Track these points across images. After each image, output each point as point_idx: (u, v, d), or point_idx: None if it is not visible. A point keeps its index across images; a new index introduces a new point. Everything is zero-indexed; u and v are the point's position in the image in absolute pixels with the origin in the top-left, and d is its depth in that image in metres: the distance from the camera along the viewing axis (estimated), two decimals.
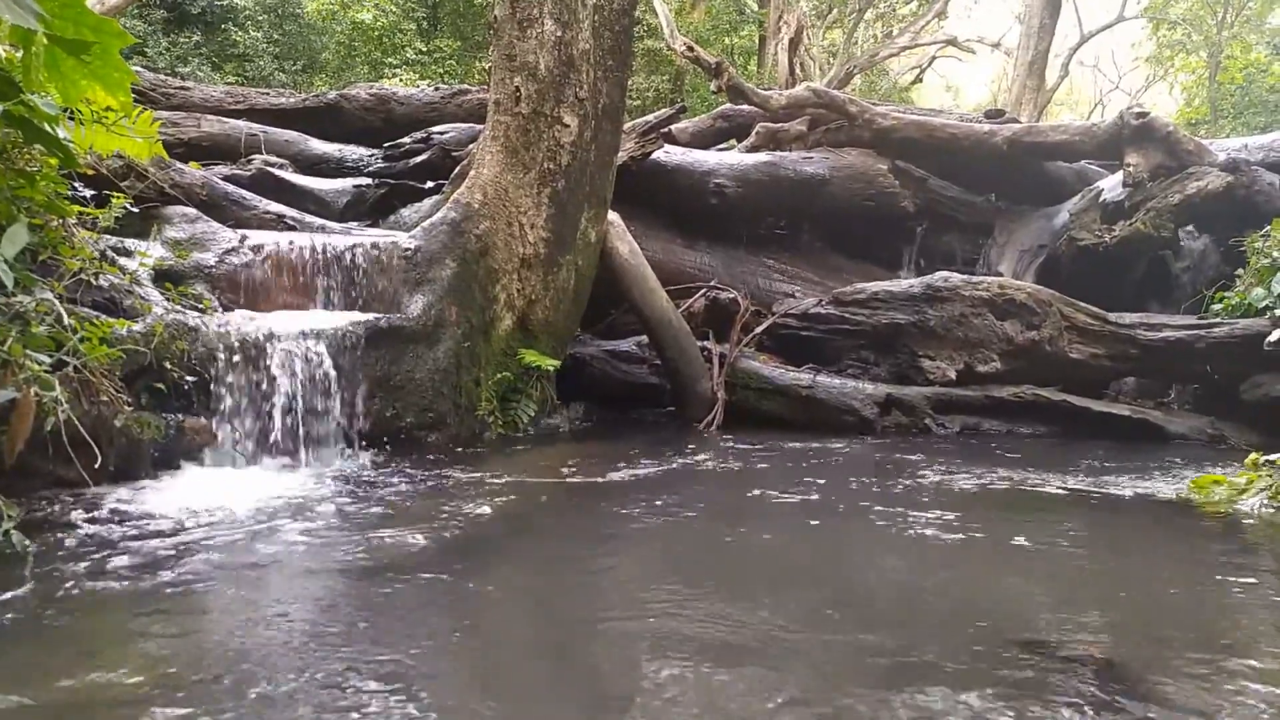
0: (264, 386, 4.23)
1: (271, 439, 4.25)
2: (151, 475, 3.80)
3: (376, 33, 16.52)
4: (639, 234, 6.80)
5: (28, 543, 2.83)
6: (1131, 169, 7.66)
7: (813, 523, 3.71)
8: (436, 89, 9.19)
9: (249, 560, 2.87)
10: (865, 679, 2.06)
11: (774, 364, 6.69)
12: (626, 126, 7.03)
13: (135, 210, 4.52)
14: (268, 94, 9.18)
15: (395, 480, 4.13)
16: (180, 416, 3.99)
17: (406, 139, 7.94)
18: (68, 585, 2.55)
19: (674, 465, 4.81)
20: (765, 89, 10.67)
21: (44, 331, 3.25)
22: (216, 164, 6.96)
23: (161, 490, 3.67)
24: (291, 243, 4.97)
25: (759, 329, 6.96)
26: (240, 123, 8.06)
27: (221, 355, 4.13)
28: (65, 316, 3.35)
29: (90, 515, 3.25)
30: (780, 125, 8.97)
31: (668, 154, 7.86)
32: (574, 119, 5.61)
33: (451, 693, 1.98)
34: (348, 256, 5.02)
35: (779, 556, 3.27)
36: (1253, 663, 2.20)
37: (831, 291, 7.12)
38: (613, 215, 6.26)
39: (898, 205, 8.53)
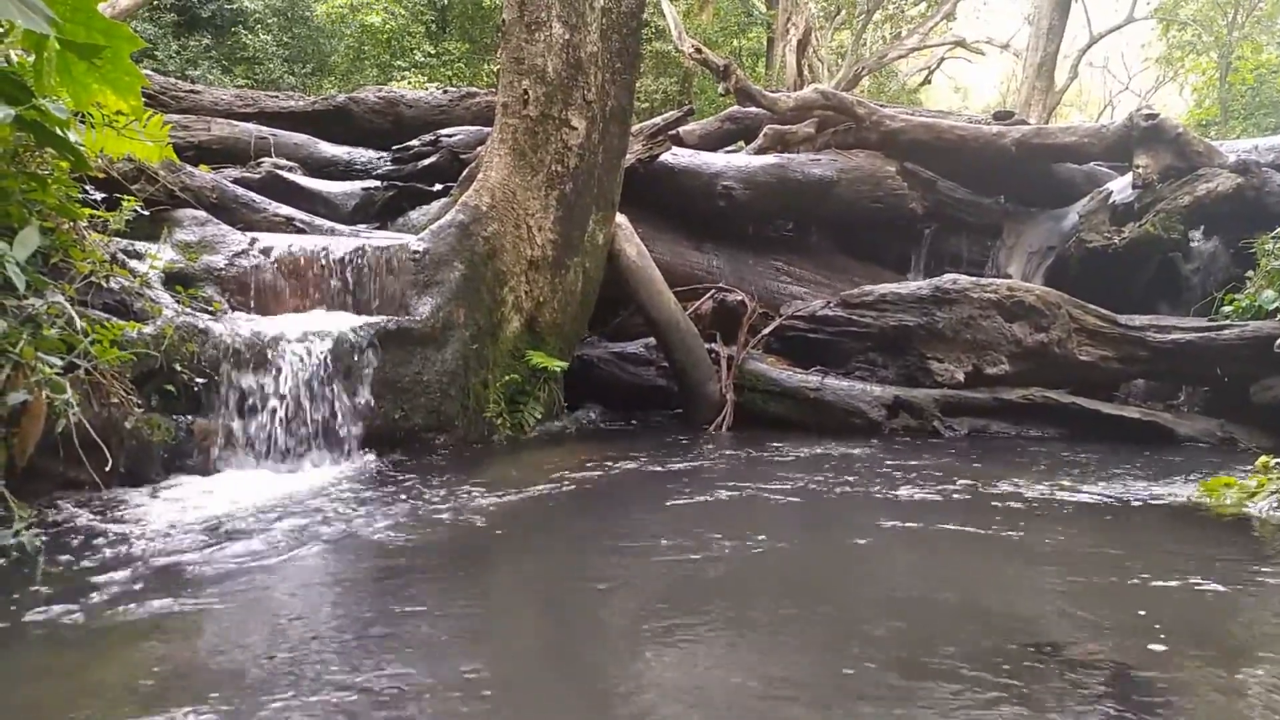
0: (273, 389, 4.25)
1: (280, 441, 4.27)
2: (161, 477, 3.82)
3: (385, 36, 16.57)
4: (646, 236, 6.81)
5: (39, 544, 2.85)
6: (1141, 171, 7.63)
7: (821, 526, 3.71)
8: (445, 92, 9.21)
9: (257, 561, 2.88)
10: (873, 682, 2.06)
11: (782, 366, 6.69)
12: (634, 129, 7.03)
13: (146, 213, 4.55)
14: (277, 97, 9.22)
15: (403, 482, 4.14)
16: (190, 418, 4.01)
17: (415, 142, 7.96)
18: (78, 586, 2.56)
19: (682, 468, 4.81)
20: (773, 91, 10.67)
21: (55, 334, 3.27)
22: (226, 167, 7.00)
23: (170, 492, 3.69)
24: (301, 245, 4.99)
25: (767, 331, 6.96)
26: (250, 126, 8.09)
27: (231, 358, 4.14)
28: (76, 319, 3.37)
29: (100, 517, 3.27)
30: (788, 127, 8.97)
31: (675, 156, 7.86)
32: (582, 122, 5.62)
33: (456, 703, 1.98)
34: (356, 259, 5.04)
35: (787, 559, 3.27)
36: (1265, 667, 2.19)
37: (839, 293, 7.12)
38: (620, 217, 6.27)
39: (906, 207, 8.52)
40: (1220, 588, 2.87)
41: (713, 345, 6.68)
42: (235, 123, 8.14)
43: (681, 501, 3.99)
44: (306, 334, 4.41)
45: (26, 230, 3.24)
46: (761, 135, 9.05)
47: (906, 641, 2.34)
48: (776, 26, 20.14)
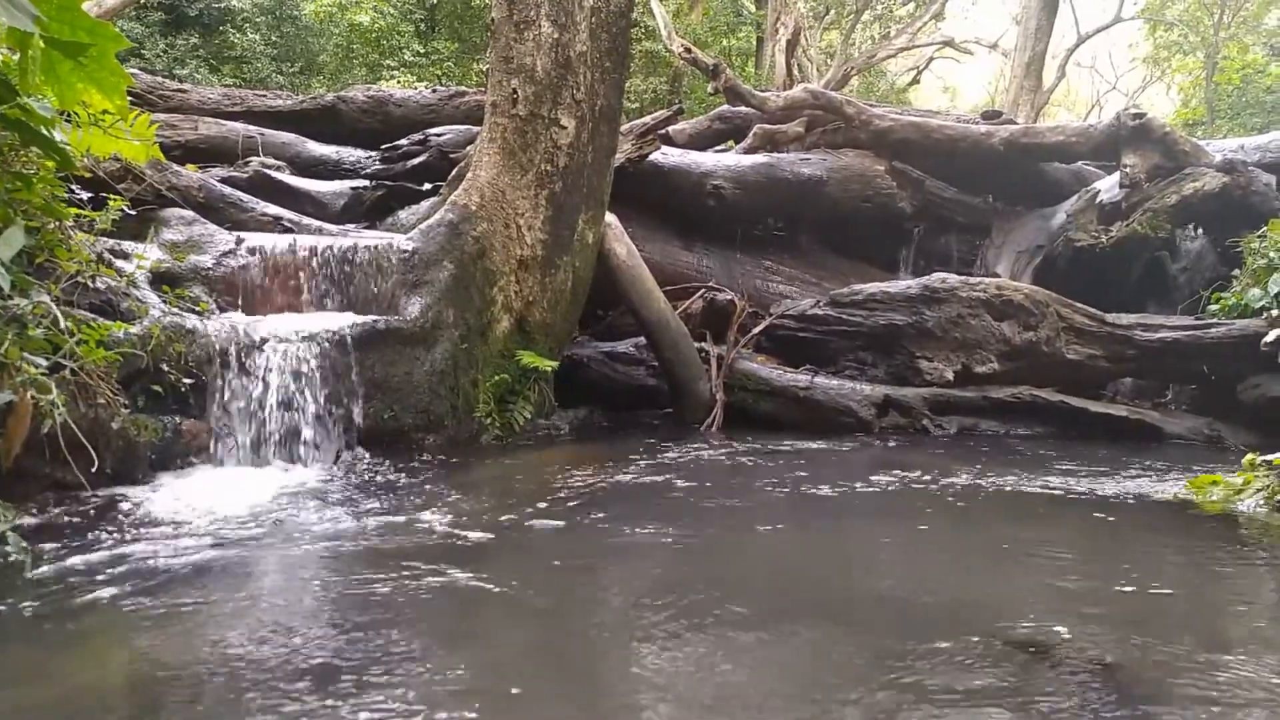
0: (261, 389, 4.23)
1: (268, 441, 4.25)
2: (148, 477, 3.80)
3: (374, 35, 16.51)
4: (636, 235, 6.80)
5: (25, 545, 2.83)
6: (1128, 170, 7.66)
7: (810, 525, 3.71)
8: (434, 91, 9.18)
9: (245, 563, 2.87)
10: (859, 679, 2.06)
11: (772, 365, 6.70)
12: (624, 128, 7.03)
13: (132, 213, 4.53)
14: (265, 96, 9.18)
15: (391, 483, 4.13)
16: (177, 419, 3.99)
17: (404, 141, 7.93)
18: (65, 588, 2.54)
19: (672, 467, 4.81)
20: (763, 90, 10.68)
21: (41, 334, 3.25)
22: (213, 166, 6.96)
23: (158, 492, 3.67)
24: (289, 245, 4.97)
25: (756, 330, 6.96)
26: (237, 125, 8.05)
27: (219, 358, 4.12)
28: (62, 319, 3.35)
29: (87, 518, 3.25)
30: (778, 126, 8.97)
31: (665, 155, 7.86)
32: (571, 121, 5.61)
33: (447, 707, 1.98)
34: (345, 259, 5.02)
35: (776, 558, 3.27)
36: (1250, 662, 2.20)
37: (829, 292, 7.13)
38: (610, 217, 6.26)
39: (895, 206, 8.53)
40: (1207, 584, 2.89)
41: (703, 344, 6.68)
42: (223, 122, 8.09)
43: (670, 502, 3.98)
44: (294, 334, 4.39)
45: (11, 230, 3.22)
46: (751, 134, 9.04)
47: (897, 640, 2.34)
48: (766, 26, 20.15)
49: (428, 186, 7.25)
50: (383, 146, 8.05)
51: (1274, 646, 2.34)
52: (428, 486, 4.07)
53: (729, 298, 7.11)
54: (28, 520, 3.12)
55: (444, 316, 5.12)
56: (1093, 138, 8.23)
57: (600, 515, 3.76)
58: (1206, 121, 18.59)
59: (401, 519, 3.46)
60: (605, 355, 6.96)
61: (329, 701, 1.87)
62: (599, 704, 2.01)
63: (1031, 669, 2.13)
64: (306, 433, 4.37)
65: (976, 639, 2.32)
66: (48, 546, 2.92)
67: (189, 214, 4.98)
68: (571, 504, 3.93)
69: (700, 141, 9.70)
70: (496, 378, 5.42)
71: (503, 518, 3.59)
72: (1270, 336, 5.70)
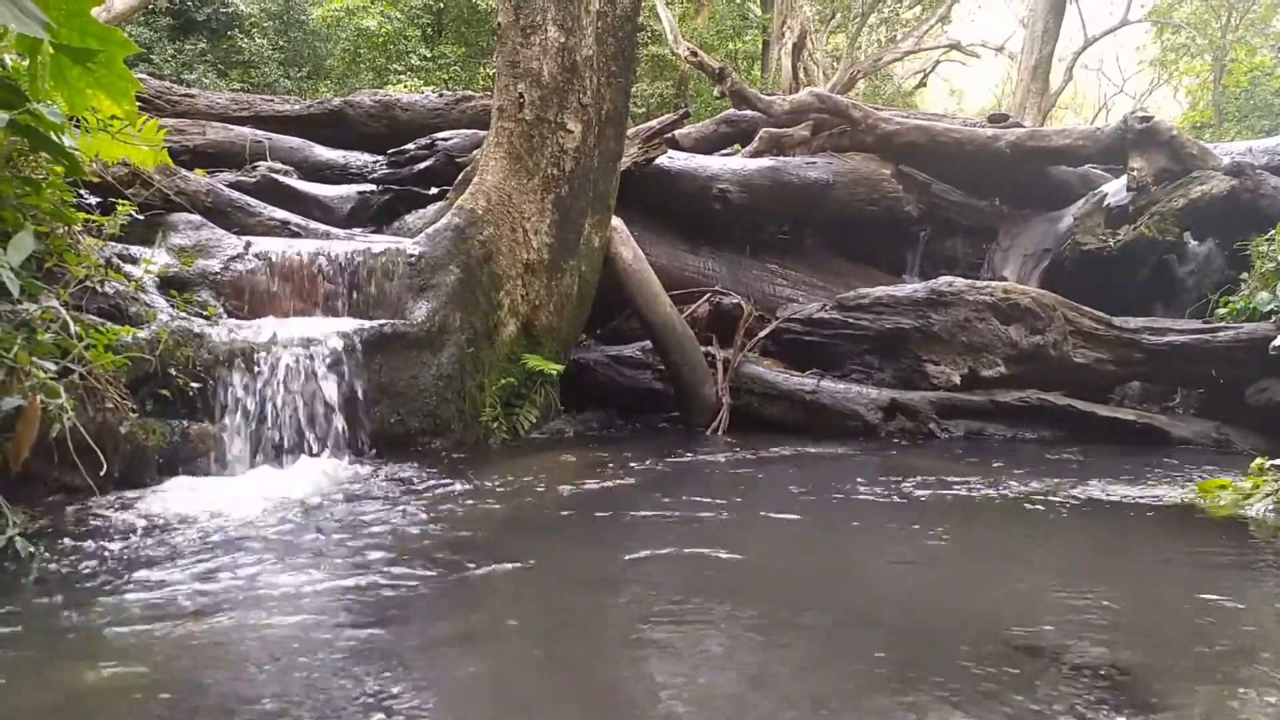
0: (268, 393, 4.24)
1: (275, 446, 4.26)
2: (156, 481, 3.81)
3: (381, 39, 16.57)
4: (642, 239, 6.81)
5: (32, 549, 2.84)
6: (1135, 173, 7.65)
7: (816, 529, 3.71)
8: (440, 95, 9.21)
9: (250, 567, 2.87)
10: (866, 685, 2.06)
11: (778, 369, 6.69)
12: (630, 132, 7.03)
13: (140, 217, 4.55)
14: (273, 100, 9.22)
15: (399, 487, 4.13)
16: (185, 423, 4.00)
17: (411, 145, 7.96)
18: (72, 591, 2.55)
19: (678, 472, 4.81)
20: (769, 94, 10.67)
21: (50, 339, 3.26)
22: (221, 171, 7.00)
23: (166, 496, 3.67)
24: (296, 249, 4.98)
25: (762, 334, 6.96)
26: (245, 129, 8.09)
27: (226, 362, 4.13)
28: (71, 324, 3.37)
29: (95, 521, 3.26)
30: (784, 130, 8.97)
31: (671, 159, 7.87)
32: (577, 125, 5.62)
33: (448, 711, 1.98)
34: (352, 263, 5.04)
35: (781, 562, 3.27)
36: (1259, 669, 2.19)
37: (835, 296, 7.12)
38: (616, 220, 6.27)
39: (901, 210, 8.53)
40: (1215, 590, 2.87)
41: (709, 348, 6.68)
42: (230, 126, 8.13)
43: (676, 506, 3.98)
44: (301, 338, 4.40)
45: (20, 235, 3.23)
46: (757, 138, 9.04)
47: (904, 645, 2.33)
48: (772, 30, 20.15)
49: (434, 190, 7.27)
50: (389, 151, 8.09)
51: None
52: (433, 491, 4.07)
53: (735, 301, 7.12)
54: (36, 524, 3.13)
55: (450, 320, 5.13)
56: (1100, 141, 8.22)
57: (605, 519, 3.76)
58: (1214, 124, 18.55)
59: (407, 524, 3.46)
60: (611, 359, 6.97)
61: (334, 707, 1.87)
62: (600, 707, 2.01)
63: (1037, 675, 2.12)
64: (313, 437, 4.38)
65: (982, 644, 2.31)
66: (55, 550, 2.93)
67: (197, 219, 5.00)
68: (577, 509, 3.93)
69: (706, 145, 9.71)
70: (503, 381, 5.43)
71: (509, 522, 3.60)
72: (1279, 340, 5.68)
